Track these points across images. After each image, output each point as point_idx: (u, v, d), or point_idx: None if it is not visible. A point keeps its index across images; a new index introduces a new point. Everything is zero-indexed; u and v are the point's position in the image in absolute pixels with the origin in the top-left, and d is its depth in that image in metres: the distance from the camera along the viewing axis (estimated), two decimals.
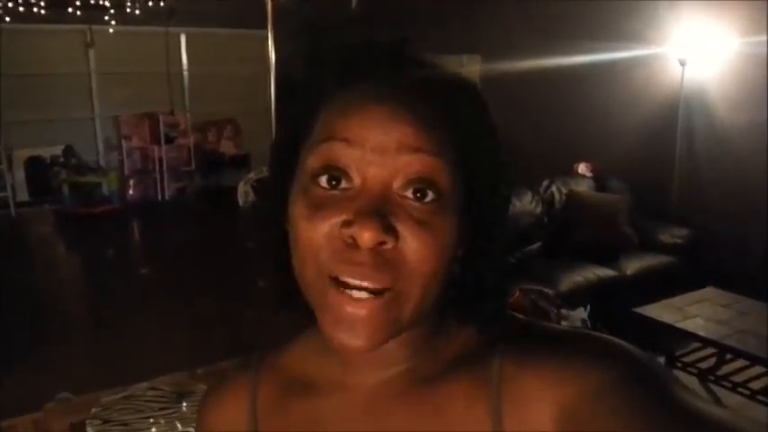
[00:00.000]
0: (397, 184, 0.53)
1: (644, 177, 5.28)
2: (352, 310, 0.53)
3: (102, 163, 9.06)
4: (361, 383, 0.62)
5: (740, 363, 3.48)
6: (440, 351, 0.62)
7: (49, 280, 6.34)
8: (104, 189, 8.52)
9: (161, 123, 8.96)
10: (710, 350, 3.59)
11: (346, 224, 0.52)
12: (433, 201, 0.53)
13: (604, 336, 0.58)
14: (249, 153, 9.36)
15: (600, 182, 5.30)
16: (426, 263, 0.53)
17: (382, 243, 0.52)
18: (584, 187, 5.20)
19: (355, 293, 0.53)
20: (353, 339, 0.53)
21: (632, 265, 4.56)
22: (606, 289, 4.29)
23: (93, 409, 1.60)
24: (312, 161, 0.55)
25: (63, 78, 8.70)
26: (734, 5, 4.73)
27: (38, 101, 8.43)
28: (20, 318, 5.06)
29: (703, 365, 3.59)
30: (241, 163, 9.26)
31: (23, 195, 8.49)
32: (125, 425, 1.50)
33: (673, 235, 4.85)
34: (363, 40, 0.60)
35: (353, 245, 0.52)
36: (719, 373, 3.52)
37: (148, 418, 1.53)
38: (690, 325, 3.58)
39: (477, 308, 0.60)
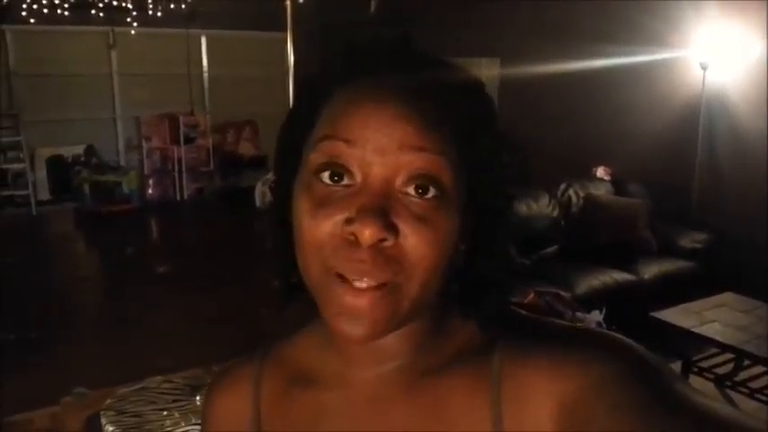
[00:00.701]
0: (399, 181, 0.54)
1: (664, 182, 5.24)
2: (353, 301, 0.54)
3: (122, 162, 9.15)
4: (362, 376, 0.63)
5: (758, 369, 3.44)
6: (441, 346, 0.62)
7: (68, 277, 6.41)
8: (124, 188, 8.61)
9: (181, 124, 9.04)
10: (728, 355, 3.55)
11: (348, 222, 0.53)
12: (434, 197, 0.54)
13: (607, 332, 0.58)
14: (267, 154, 9.40)
15: (618, 186, 5.26)
16: (426, 259, 0.54)
17: (383, 240, 0.52)
18: (602, 191, 5.17)
19: (356, 284, 0.53)
20: (355, 329, 0.54)
21: (650, 270, 4.52)
22: (623, 293, 4.26)
23: (108, 401, 1.62)
24: (315, 157, 0.55)
25: (85, 79, 8.80)
26: (756, 9, 4.68)
27: (60, 101, 8.55)
28: (38, 314, 5.13)
29: (721, 371, 3.55)
30: (259, 164, 9.30)
31: (44, 194, 8.60)
32: (139, 416, 1.51)
33: (692, 240, 4.81)
34: (367, 38, 0.60)
35: (355, 242, 0.53)
36: (737, 378, 3.48)
37: (162, 410, 1.54)
38: (707, 330, 3.54)
39: (480, 304, 0.61)
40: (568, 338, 0.57)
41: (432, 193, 0.54)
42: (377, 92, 0.55)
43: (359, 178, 0.54)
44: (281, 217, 0.61)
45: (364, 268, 0.53)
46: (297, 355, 0.69)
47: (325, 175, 0.55)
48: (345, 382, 0.64)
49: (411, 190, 0.54)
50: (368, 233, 0.51)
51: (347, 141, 0.54)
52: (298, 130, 0.60)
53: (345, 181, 0.55)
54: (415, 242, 0.53)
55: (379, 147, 0.53)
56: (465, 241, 0.58)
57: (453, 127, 0.55)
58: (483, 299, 0.61)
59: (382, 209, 0.52)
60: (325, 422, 0.63)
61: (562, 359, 0.55)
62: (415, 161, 0.53)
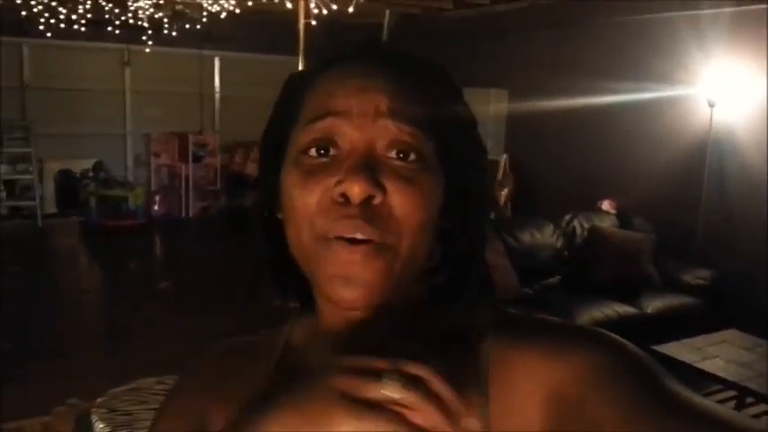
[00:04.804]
0: (380, 146, 0.57)
1: (669, 217, 5.23)
2: (348, 257, 0.55)
3: (130, 178, 9.20)
4: None
5: (761, 407, 3.39)
6: (427, 336, 0.62)
7: (71, 289, 6.41)
8: (130, 203, 8.62)
9: (190, 142, 9.10)
10: (731, 392, 3.51)
11: (337, 184, 0.55)
12: (415, 161, 0.57)
13: (596, 328, 0.59)
14: None
15: (623, 219, 5.25)
16: (412, 216, 0.56)
17: (371, 197, 0.55)
18: (607, 224, 5.16)
19: (350, 236, 0.55)
20: (349, 291, 0.56)
21: (653, 304, 4.49)
22: (625, 326, 4.21)
23: (99, 399, 1.61)
24: (303, 137, 0.59)
25: (98, 95, 8.89)
26: (761, 48, 4.72)
27: (72, 115, 8.62)
28: (39, 325, 5.12)
29: None
30: None
31: (51, 207, 8.60)
32: (130, 414, 1.50)
33: (697, 276, 4.78)
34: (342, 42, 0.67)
35: (345, 203, 0.55)
36: None
37: (154, 410, 1.52)
38: (708, 365, 3.50)
39: (460, 288, 0.63)
40: (556, 331, 0.58)
41: (412, 157, 0.57)
42: (353, 71, 0.60)
43: (345, 147, 0.57)
44: (269, 211, 0.65)
45: (356, 223, 0.54)
46: (285, 345, 0.69)
47: (313, 151, 0.58)
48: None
49: (393, 154, 0.57)
50: (357, 189, 0.54)
51: (332, 113, 0.58)
52: (283, 122, 0.64)
53: (332, 152, 0.58)
54: (400, 200, 0.56)
55: (361, 112, 0.57)
56: (446, 214, 0.61)
57: (424, 100, 0.60)
58: (462, 284, 0.63)
59: (369, 168, 0.55)
60: None
61: (552, 350, 0.55)
62: (392, 128, 0.57)
